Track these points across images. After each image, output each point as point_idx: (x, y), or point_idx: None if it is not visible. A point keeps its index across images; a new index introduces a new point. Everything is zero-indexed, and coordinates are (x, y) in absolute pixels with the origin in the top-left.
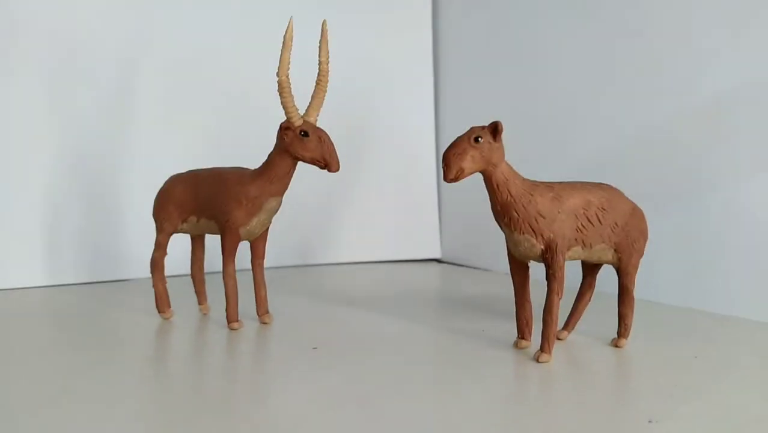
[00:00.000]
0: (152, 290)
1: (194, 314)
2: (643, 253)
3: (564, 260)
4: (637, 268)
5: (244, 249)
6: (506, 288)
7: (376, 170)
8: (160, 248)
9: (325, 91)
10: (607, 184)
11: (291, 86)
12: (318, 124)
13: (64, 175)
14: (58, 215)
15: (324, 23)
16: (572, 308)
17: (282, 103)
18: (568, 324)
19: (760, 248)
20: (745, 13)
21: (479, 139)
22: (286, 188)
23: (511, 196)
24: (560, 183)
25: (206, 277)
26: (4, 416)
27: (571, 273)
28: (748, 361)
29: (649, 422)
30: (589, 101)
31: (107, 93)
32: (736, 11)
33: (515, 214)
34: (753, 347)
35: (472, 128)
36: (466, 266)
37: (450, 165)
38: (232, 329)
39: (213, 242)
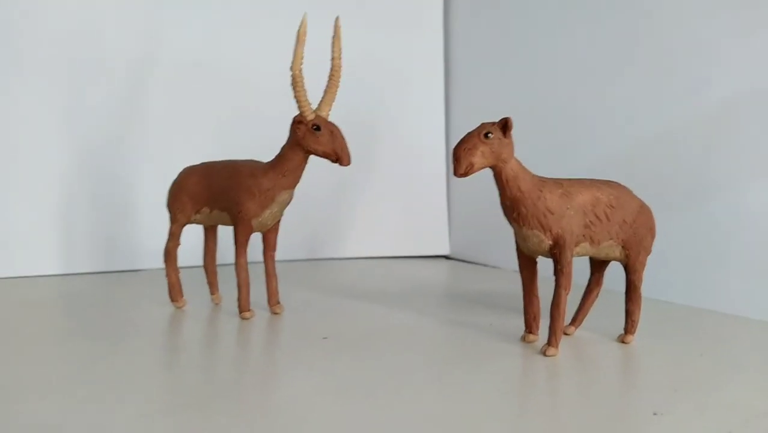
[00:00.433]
0: (165, 279)
1: (206, 304)
2: (650, 250)
3: (572, 256)
4: (644, 265)
5: (256, 241)
6: (514, 285)
7: (387, 166)
8: (174, 239)
9: (338, 87)
10: (615, 182)
11: (304, 81)
12: (330, 119)
13: (79, 167)
14: (73, 206)
15: (337, 20)
16: (580, 304)
17: (295, 97)
18: (576, 320)
19: (766, 248)
20: (753, 18)
21: (489, 134)
22: (297, 181)
23: (521, 191)
24: (569, 180)
25: (218, 269)
26: (18, 401)
27: (579, 269)
28: (754, 359)
29: (654, 414)
30: (598, 101)
31: (121, 86)
32: (744, 16)
33: (524, 209)
34: (759, 345)
35: (482, 124)
36: (475, 263)
37: (460, 160)
38: (243, 319)
39: (225, 234)
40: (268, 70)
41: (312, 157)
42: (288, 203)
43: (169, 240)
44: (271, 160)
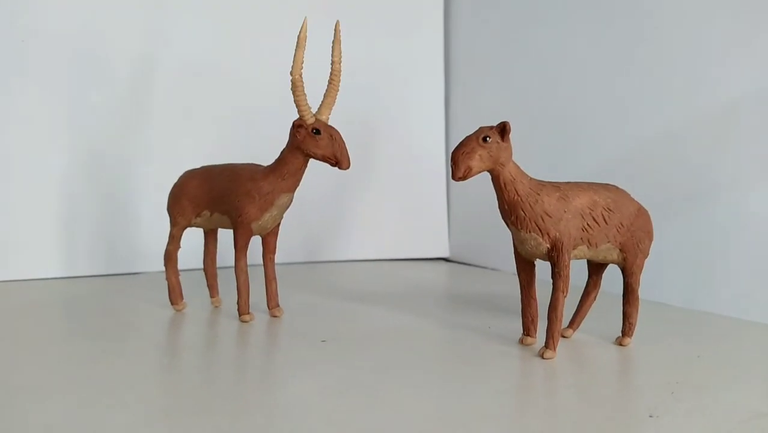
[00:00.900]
0: (165, 282)
1: (206, 307)
2: (648, 253)
3: (569, 259)
4: (642, 268)
5: (255, 244)
6: (513, 287)
7: (386, 169)
8: (174, 242)
9: (338, 90)
10: (613, 185)
11: (304, 85)
12: (330, 123)
13: (80, 170)
14: (74, 209)
15: (337, 24)
16: (577, 307)
17: (295, 101)
18: (573, 322)
19: (764, 250)
20: (754, 20)
21: (487, 138)
22: (297, 185)
23: (518, 195)
24: (567, 183)
25: (218, 271)
26: (19, 403)
27: (577, 272)
28: (751, 361)
29: (650, 416)
30: (598, 103)
31: (122, 89)
32: (745, 17)
33: (522, 213)
34: (757, 348)
35: (480, 128)
36: (474, 266)
37: (458, 164)
38: (243, 322)
39: (226, 237)
40: (269, 74)
41: (311, 161)
42: (288, 207)
43: (169, 243)
44: (271, 164)
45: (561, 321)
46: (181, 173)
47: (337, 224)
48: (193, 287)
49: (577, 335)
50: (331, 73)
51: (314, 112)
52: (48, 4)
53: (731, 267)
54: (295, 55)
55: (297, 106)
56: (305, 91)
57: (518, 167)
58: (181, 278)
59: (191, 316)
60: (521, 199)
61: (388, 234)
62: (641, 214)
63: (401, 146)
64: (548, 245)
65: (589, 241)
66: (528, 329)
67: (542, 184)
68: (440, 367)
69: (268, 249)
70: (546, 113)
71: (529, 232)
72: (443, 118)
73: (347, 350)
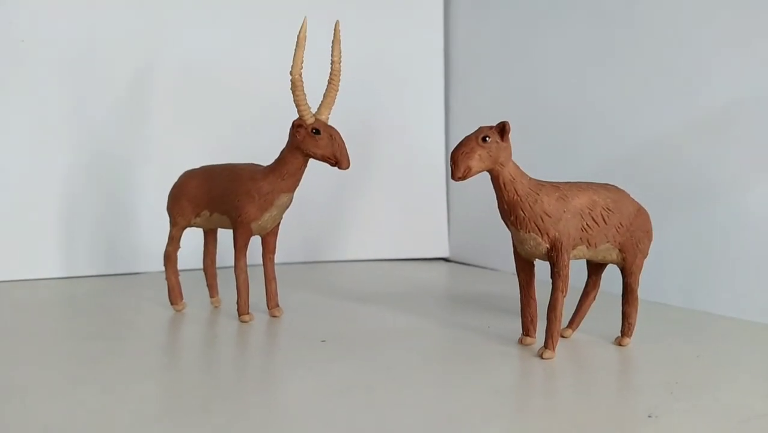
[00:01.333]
0: (165, 282)
1: (206, 307)
2: (647, 253)
3: (569, 259)
4: (641, 268)
5: (255, 244)
6: (513, 287)
7: (386, 169)
8: (174, 242)
9: (337, 90)
10: (612, 185)
11: (303, 84)
12: (329, 123)
13: (80, 171)
14: (75, 209)
15: (337, 24)
16: (577, 307)
17: (294, 101)
18: (573, 322)
19: (763, 251)
20: (753, 21)
21: (487, 138)
22: (297, 185)
23: (518, 195)
24: (566, 183)
25: (218, 271)
26: (20, 402)
27: (576, 272)
28: (750, 361)
29: (649, 416)
30: (597, 104)
31: (123, 91)
32: (744, 19)
33: (521, 213)
34: (756, 348)
35: (480, 128)
36: (474, 266)
37: (458, 164)
38: (243, 322)
39: (225, 237)
40: (268, 74)
41: (311, 161)
42: (287, 206)
43: (169, 243)
44: (271, 164)
45: (560, 321)
46: (180, 173)
47: (337, 223)
48: (193, 287)
49: (576, 335)
50: (330, 73)
51: (314, 112)
52: (49, 4)
53: (731, 267)
54: (294, 55)
55: (297, 105)
56: (305, 91)
57: (518, 167)
58: (180, 278)
59: (191, 316)
60: (521, 199)
61: (387, 234)
62: (640, 214)
63: (401, 146)
64: (547, 245)
65: (588, 241)
66: (527, 329)
67: (541, 184)
68: (440, 367)
69: (268, 249)
70: (545, 113)
71: (529, 232)
72: (443, 118)
73: (347, 350)
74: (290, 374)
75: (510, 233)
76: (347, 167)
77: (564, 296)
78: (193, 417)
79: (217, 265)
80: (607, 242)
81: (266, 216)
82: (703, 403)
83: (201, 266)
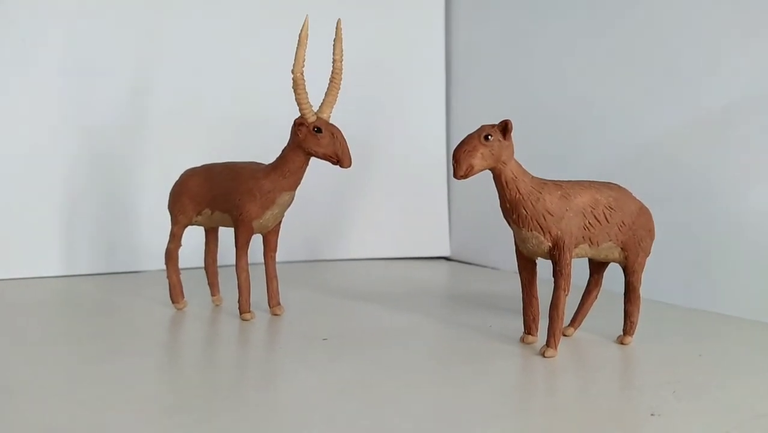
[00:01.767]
0: (166, 281)
1: (207, 305)
2: (649, 252)
3: (571, 258)
4: (643, 267)
5: (256, 242)
6: (514, 286)
7: (387, 168)
8: (175, 240)
9: (339, 89)
10: (615, 184)
11: (305, 83)
12: (331, 121)
13: (81, 169)
14: (76, 208)
15: (339, 23)
16: (579, 305)
17: (296, 99)
18: (575, 321)
19: (765, 250)
20: (754, 21)
21: (489, 137)
22: (298, 183)
23: (520, 193)
24: (568, 181)
25: (219, 270)
26: (19, 402)
27: (578, 271)
28: (753, 360)
29: (652, 415)
30: (599, 102)
31: (123, 88)
32: (745, 18)
33: (524, 211)
34: (758, 347)
35: (482, 126)
36: (475, 265)
37: (460, 162)
38: (244, 320)
39: (226, 236)
40: (270, 73)
41: (313, 159)
42: (289, 205)
43: (170, 242)
44: (272, 162)
45: (562, 320)
46: (181, 172)
47: (338, 222)
48: (194, 286)
49: (578, 333)
50: (332, 72)
51: (316, 111)
52: (49, 7)
53: (733, 266)
54: (296, 54)
55: (298, 104)
56: (306, 90)
57: (520, 166)
58: (182, 276)
59: (192, 314)
60: (523, 198)
61: (389, 233)
62: (643, 212)
63: (402, 145)
64: (550, 244)
65: (590, 239)
66: (529, 328)
67: (544, 183)
68: (441, 365)
69: (269, 247)
70: (546, 113)
71: (531, 230)
72: (444, 116)
73: (348, 348)
74: (291, 372)
75: (512, 232)
76: (349, 166)
77: (566, 295)
78: (195, 416)
79: (219, 263)
80: (610, 240)
81: (268, 214)
82: (706, 402)
83: (202, 265)
